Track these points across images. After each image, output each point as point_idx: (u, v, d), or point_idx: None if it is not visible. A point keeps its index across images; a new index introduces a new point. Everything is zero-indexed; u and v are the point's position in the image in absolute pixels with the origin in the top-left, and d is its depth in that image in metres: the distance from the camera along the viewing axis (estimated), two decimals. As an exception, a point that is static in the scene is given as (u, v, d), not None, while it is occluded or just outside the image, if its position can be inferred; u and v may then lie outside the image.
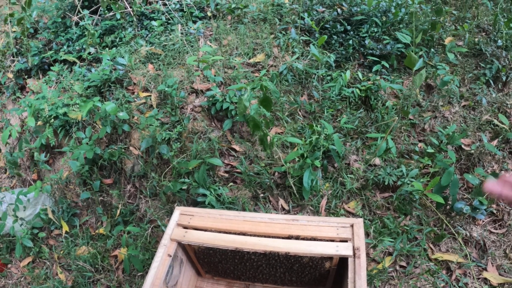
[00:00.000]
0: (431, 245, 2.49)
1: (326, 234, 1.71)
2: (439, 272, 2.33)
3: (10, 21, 3.84)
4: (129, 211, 2.88)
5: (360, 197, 2.66)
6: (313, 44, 2.97)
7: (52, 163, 3.28)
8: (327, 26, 3.39)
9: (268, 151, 2.34)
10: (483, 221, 2.59)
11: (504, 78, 3.22)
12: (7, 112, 3.72)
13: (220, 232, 1.79)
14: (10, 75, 3.88)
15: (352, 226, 1.73)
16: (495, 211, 2.62)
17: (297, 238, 1.71)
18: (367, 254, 2.44)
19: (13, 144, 3.59)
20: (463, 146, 2.86)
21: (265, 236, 1.75)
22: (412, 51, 2.96)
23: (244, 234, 1.77)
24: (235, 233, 1.77)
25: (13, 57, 3.96)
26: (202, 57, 2.64)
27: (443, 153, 2.78)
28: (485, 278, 2.33)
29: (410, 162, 2.78)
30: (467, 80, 3.26)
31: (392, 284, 2.34)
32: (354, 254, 1.64)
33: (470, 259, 2.40)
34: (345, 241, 1.69)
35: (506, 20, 3.41)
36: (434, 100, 3.11)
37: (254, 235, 1.75)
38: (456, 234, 2.49)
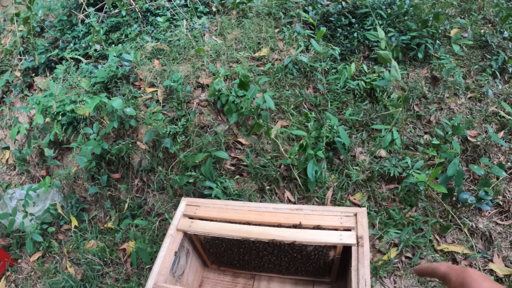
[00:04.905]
0: (437, 236, 2.49)
1: (329, 223, 1.72)
2: (445, 263, 2.33)
3: (17, 21, 3.88)
4: (137, 205, 2.91)
5: (365, 188, 2.67)
6: (314, 39, 2.97)
7: (60, 159, 3.32)
8: (332, 19, 3.39)
9: (268, 138, 2.37)
10: (489, 212, 2.58)
11: (510, 70, 3.20)
12: (15, 110, 3.76)
13: (225, 222, 1.81)
14: (18, 74, 3.93)
15: (355, 215, 1.74)
16: (501, 203, 2.61)
17: (300, 225, 1.73)
18: (373, 245, 2.45)
19: (21, 141, 3.64)
20: (469, 137, 2.85)
21: (270, 226, 1.76)
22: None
23: (249, 223, 1.78)
24: (240, 223, 1.79)
25: (20, 55, 4.00)
26: (197, 48, 2.67)
27: (448, 144, 2.77)
28: (491, 270, 2.32)
29: (415, 153, 2.78)
30: (473, 71, 3.24)
31: (397, 275, 2.35)
32: (358, 242, 1.64)
33: (476, 250, 2.40)
34: (349, 230, 1.70)
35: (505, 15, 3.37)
36: (440, 92, 3.10)
37: (259, 225, 1.77)
38: (462, 225, 2.49)
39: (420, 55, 3.21)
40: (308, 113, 2.54)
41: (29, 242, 2.86)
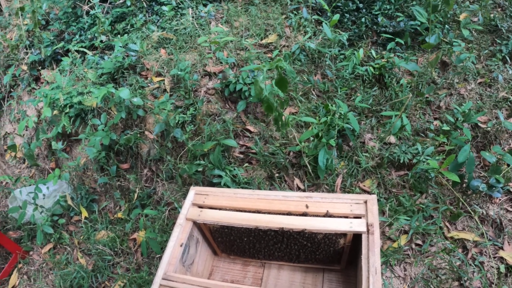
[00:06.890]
0: (447, 224, 2.47)
1: (339, 211, 1.71)
2: (455, 251, 2.31)
3: (22, 14, 3.87)
4: (146, 195, 2.92)
5: (375, 175, 2.65)
6: (325, 24, 2.93)
7: (69, 151, 3.34)
8: (339, 4, 3.35)
9: (283, 131, 2.33)
10: (500, 199, 2.56)
11: (521, 55, 3.15)
12: (23, 103, 3.77)
13: (234, 210, 1.81)
14: (24, 67, 3.93)
15: (365, 202, 1.73)
16: (512, 190, 2.58)
17: (306, 208, 1.72)
18: (383, 233, 2.44)
19: (30, 134, 3.65)
20: (479, 123, 2.81)
21: (279, 214, 1.75)
22: (428, 29, 2.91)
23: (258, 212, 1.78)
24: (249, 211, 1.78)
25: (26, 49, 4.00)
26: (213, 38, 2.64)
27: (458, 130, 2.74)
28: (502, 257, 2.30)
29: (425, 140, 2.75)
30: (482, 56, 3.19)
31: (407, 262, 2.33)
32: (368, 230, 1.63)
33: (487, 238, 2.37)
34: (359, 217, 1.69)
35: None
36: (450, 77, 3.06)
37: (269, 213, 1.76)
38: (472, 213, 2.46)
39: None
40: (329, 104, 2.50)
41: (40, 234, 2.88)
